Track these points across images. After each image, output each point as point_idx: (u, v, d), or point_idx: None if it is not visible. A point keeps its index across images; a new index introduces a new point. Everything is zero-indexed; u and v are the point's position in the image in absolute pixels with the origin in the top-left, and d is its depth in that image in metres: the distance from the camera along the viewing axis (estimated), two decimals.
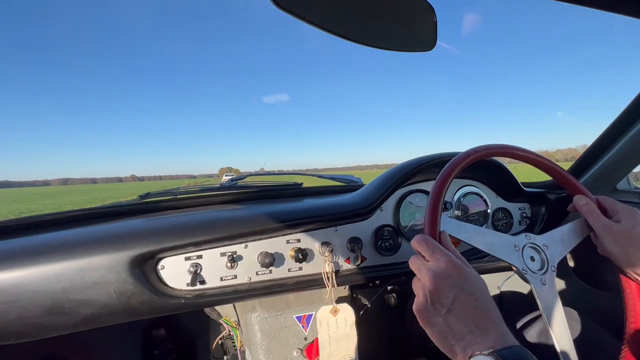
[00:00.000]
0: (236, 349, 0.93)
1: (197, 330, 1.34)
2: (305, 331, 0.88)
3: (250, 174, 1.12)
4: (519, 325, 1.16)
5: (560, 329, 0.62)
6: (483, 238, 0.65)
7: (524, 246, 0.66)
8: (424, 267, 0.48)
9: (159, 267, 0.69)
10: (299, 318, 0.88)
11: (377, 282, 1.07)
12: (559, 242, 0.69)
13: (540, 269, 0.65)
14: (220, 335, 1.00)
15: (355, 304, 1.01)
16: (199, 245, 0.71)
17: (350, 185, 1.13)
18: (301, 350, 0.86)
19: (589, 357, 0.76)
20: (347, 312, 0.81)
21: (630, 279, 0.66)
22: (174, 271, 0.70)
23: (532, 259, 0.66)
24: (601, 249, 0.66)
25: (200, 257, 0.72)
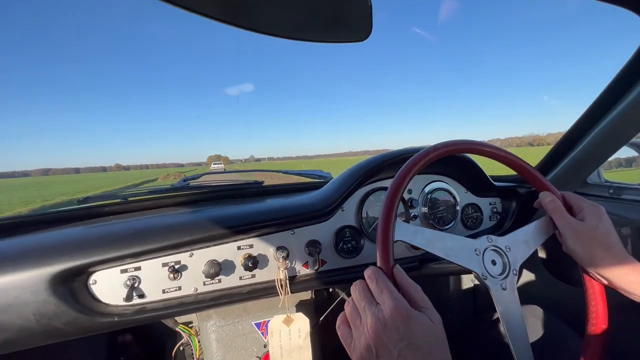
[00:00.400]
0: (193, 358, 0.89)
1: (167, 334, 1.29)
2: (265, 338, 0.84)
3: (207, 173, 1.04)
4: (491, 320, 1.15)
5: (519, 335, 0.59)
6: (441, 243, 0.61)
7: (485, 249, 0.63)
8: (369, 309, 0.43)
9: (91, 282, 0.63)
10: (258, 325, 0.84)
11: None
12: (522, 243, 0.66)
13: (502, 274, 0.62)
14: (180, 343, 0.95)
15: (319, 309, 0.97)
16: (137, 256, 0.65)
17: (317, 181, 1.07)
18: (259, 358, 0.82)
19: (550, 358, 0.75)
20: (301, 322, 0.76)
21: (593, 278, 0.64)
22: (109, 286, 0.64)
23: (494, 262, 0.63)
24: (565, 248, 0.64)
25: (138, 268, 0.65)
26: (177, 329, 0.90)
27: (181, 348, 1.00)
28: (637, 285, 0.56)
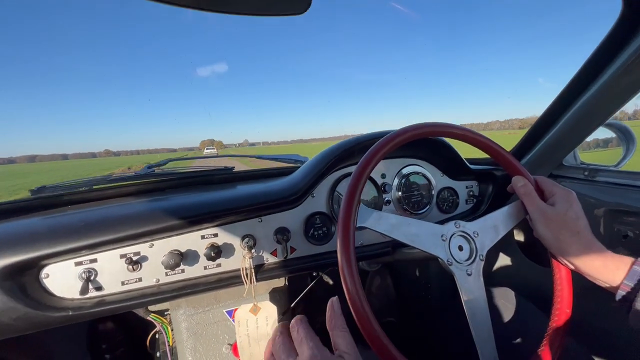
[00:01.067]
0: (165, 346, 0.88)
1: (148, 322, 1.29)
2: None
3: (173, 159, 1.00)
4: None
5: (481, 324, 0.59)
6: (406, 229, 0.59)
7: (452, 235, 0.62)
8: None
9: (43, 275, 0.60)
10: (229, 312, 0.83)
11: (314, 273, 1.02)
12: (491, 228, 0.65)
13: (468, 259, 0.61)
14: (154, 331, 0.94)
15: (296, 295, 0.96)
16: (92, 248, 0.62)
17: (291, 166, 1.04)
18: (230, 345, 0.81)
19: (516, 340, 0.76)
20: (269, 311, 0.76)
21: (561, 263, 0.64)
22: (63, 279, 0.61)
23: (461, 248, 0.62)
24: (535, 233, 0.64)
25: (94, 260, 0.63)
26: (148, 318, 0.88)
27: (156, 336, 1.00)
28: (602, 270, 0.56)
